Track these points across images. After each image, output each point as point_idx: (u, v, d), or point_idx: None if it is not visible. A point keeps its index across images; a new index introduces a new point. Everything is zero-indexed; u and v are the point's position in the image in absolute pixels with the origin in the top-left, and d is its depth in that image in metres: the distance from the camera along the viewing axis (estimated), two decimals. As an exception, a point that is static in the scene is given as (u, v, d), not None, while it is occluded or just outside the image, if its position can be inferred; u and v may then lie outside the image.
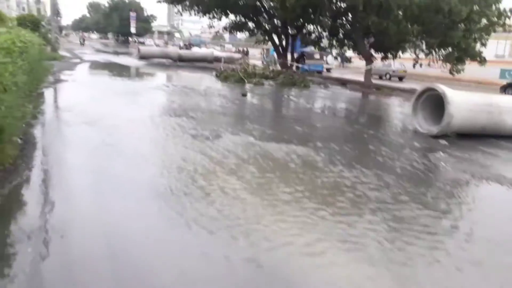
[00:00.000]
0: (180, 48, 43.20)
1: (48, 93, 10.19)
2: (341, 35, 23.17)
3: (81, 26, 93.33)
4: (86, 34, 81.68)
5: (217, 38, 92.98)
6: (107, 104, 9.39)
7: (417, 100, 8.90)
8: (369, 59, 20.83)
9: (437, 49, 16.99)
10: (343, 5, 19.96)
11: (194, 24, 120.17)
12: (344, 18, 21.26)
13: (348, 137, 8.00)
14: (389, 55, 22.15)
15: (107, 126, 6.87)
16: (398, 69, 26.72)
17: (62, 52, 26.32)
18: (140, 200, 3.92)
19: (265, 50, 35.12)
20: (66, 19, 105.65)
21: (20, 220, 3.35)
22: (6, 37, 5.80)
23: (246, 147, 6.21)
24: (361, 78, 21.60)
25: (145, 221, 3.48)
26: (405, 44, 18.20)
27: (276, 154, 5.91)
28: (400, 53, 21.25)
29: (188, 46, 50.21)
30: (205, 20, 49.14)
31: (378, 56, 22.56)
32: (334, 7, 19.52)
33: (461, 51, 16.53)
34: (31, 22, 21.13)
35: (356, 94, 17.66)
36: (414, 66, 18.05)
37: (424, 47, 17.39)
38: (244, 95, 12.96)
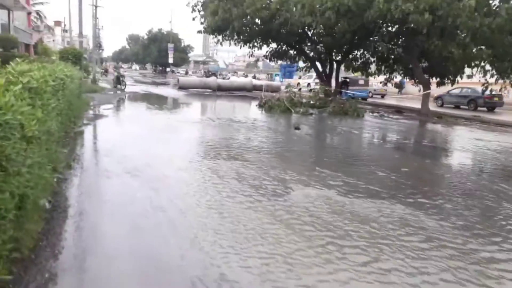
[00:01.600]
0: (202, 76, 44.47)
1: (87, 132, 9.21)
2: (391, 60, 21.70)
3: (120, 57, 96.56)
4: (123, 65, 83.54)
5: (251, 66, 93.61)
6: (150, 145, 8.25)
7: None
8: (426, 85, 19.10)
9: (510, 73, 15.07)
10: (394, 28, 18.55)
11: (229, 53, 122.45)
12: (395, 42, 19.77)
13: (454, 188, 6.36)
14: (446, 80, 20.43)
15: (153, 179, 5.62)
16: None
17: (102, 84, 26.22)
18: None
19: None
20: (107, 51, 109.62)
21: None
22: (37, 74, 4.72)
23: (330, 207, 4.75)
24: (407, 104, 19.82)
25: None
26: (470, 68, 16.38)
27: (373, 218, 4.42)
28: (458, 78, 19.46)
29: (208, 74, 51.48)
30: (238, 49, 49.23)
31: (433, 81, 20.84)
32: (386, 31, 18.09)
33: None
34: (73, 55, 20.96)
35: (420, 124, 15.87)
36: (483, 92, 16.16)
37: (494, 71, 15.50)
38: (297, 128, 11.61)
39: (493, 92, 18.34)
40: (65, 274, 3.00)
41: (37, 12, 44.63)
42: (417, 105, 20.79)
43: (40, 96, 4.61)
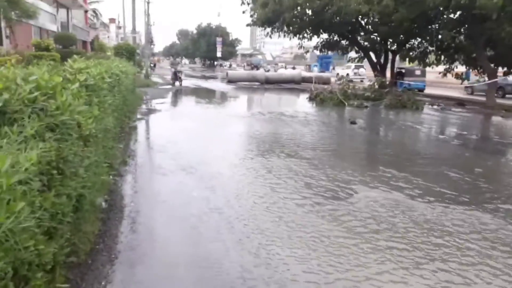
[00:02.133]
0: (244, 68, 45.59)
1: (141, 127, 9.28)
2: (452, 49, 20.24)
3: (171, 52, 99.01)
4: (180, 60, 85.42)
5: (298, 58, 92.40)
6: (203, 140, 8.12)
7: None
8: (493, 75, 17.62)
9: None
10: (456, 15, 17.20)
11: (276, 46, 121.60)
12: (458, 30, 18.35)
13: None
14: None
15: (209, 176, 5.43)
16: None
17: (154, 78, 26.81)
18: None
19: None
20: (158, 46, 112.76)
21: None
22: (94, 71, 4.65)
23: (398, 211, 4.30)
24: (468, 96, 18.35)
25: None
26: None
27: (451, 226, 3.92)
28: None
29: (251, 66, 52.36)
30: (286, 41, 48.61)
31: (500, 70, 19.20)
32: (448, 18, 16.82)
33: None
34: (126, 51, 21.52)
35: (487, 117, 14.63)
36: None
37: None
38: (354, 123, 11.03)
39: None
40: (122, 281, 2.84)
41: (94, 10, 46.56)
42: (479, 97, 19.31)
43: (97, 93, 4.54)
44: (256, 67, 50.93)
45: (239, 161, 6.42)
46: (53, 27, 27.90)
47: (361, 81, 28.06)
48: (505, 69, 19.06)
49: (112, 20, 75.27)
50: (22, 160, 2.21)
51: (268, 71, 36.32)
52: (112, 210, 4.02)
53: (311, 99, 17.05)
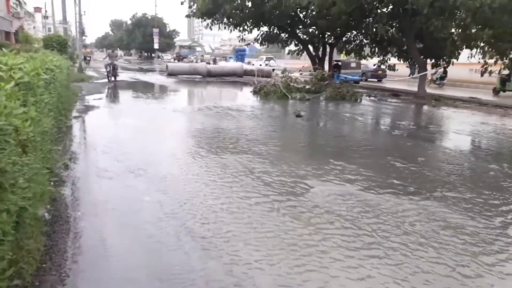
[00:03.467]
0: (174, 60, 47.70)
1: (79, 126, 8.67)
2: (385, 42, 21.25)
3: (104, 43, 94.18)
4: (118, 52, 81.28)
5: (251, 50, 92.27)
6: (147, 138, 7.75)
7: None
8: (423, 66, 18.78)
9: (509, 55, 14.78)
10: (389, 9, 18.04)
11: (214, 38, 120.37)
12: (390, 24, 19.28)
13: (485, 181, 6.04)
14: (441, 62, 20.16)
15: (159, 177, 5.16)
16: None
17: (89, 72, 25.30)
18: None
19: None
20: (90, 38, 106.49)
21: None
22: (28, 67, 4.18)
23: (352, 206, 4.38)
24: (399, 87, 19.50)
25: None
26: (469, 49, 16.05)
27: (402, 215, 4.06)
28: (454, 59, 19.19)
29: (180, 58, 54.52)
30: (224, 33, 49.14)
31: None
32: (382, 12, 17.58)
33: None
34: (58, 43, 20.04)
35: (420, 107, 15.55)
36: (482, 74, 15.90)
37: (493, 52, 15.18)
38: (299, 116, 11.18)
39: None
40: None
41: (16, -2, 42.81)
42: (411, 88, 20.50)
43: (33, 92, 4.09)
44: (185, 58, 54.36)
45: (190, 160, 6.20)
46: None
47: (273, 70, 29.38)
48: (433, 61, 20.38)
49: (37, 9, 69.90)
50: None
51: (192, 62, 37.00)
52: (57, 222, 3.65)
53: (255, 92, 17.05)
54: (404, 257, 3.28)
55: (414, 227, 3.87)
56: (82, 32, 30.11)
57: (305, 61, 39.53)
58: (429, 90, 19.68)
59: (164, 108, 12.54)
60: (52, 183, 4.48)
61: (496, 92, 18.94)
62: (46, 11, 63.68)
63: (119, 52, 69.38)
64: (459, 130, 10.35)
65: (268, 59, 42.76)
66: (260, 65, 35.85)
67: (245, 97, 16.92)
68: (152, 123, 9.57)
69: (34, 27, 63.86)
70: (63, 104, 8.74)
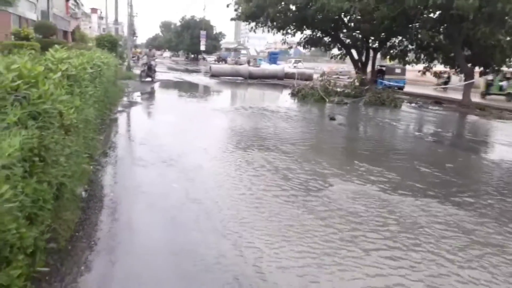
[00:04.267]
0: (215, 62, 50.35)
1: (122, 119, 9.29)
2: (431, 48, 20.72)
3: (153, 44, 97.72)
4: (158, 52, 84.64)
5: (282, 53, 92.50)
6: (184, 133, 8.19)
7: None
8: (469, 75, 18.15)
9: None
10: (436, 15, 17.61)
11: (260, 41, 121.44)
12: (437, 29, 18.80)
13: (500, 185, 5.94)
14: (489, 70, 19.39)
15: (189, 168, 5.53)
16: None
17: (136, 71, 26.53)
18: None
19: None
20: (141, 38, 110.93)
21: None
22: (76, 62, 4.69)
23: (368, 202, 4.51)
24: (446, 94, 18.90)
25: None
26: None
27: (420, 219, 4.14)
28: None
29: (219, 59, 60.00)
30: (270, 36, 50.40)
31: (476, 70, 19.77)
32: (428, 17, 17.22)
33: None
34: (109, 42, 21.27)
35: (462, 116, 15.09)
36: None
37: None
38: (333, 119, 11.26)
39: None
40: (101, 267, 2.94)
41: (75, 0, 45.60)
42: (458, 96, 19.83)
43: (79, 84, 4.58)
44: (224, 60, 57.71)
45: (219, 154, 6.54)
46: (33, 16, 27.24)
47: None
48: (481, 68, 19.63)
49: (94, 10, 73.88)
50: (5, 146, 2.29)
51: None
52: (92, 200, 4.09)
53: (293, 95, 17.24)
54: (397, 249, 3.40)
55: (418, 225, 3.95)
56: (132, 33, 31.66)
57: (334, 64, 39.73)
58: (477, 99, 18.97)
59: (202, 106, 13.05)
60: (91, 167, 4.96)
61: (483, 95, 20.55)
62: (101, 12, 67.22)
63: (156, 52, 71.91)
64: (496, 140, 10.03)
65: (296, 61, 45.66)
66: (289, 67, 36.30)
67: (282, 99, 17.17)
68: (189, 120, 10.05)
69: (90, 27, 67.56)
70: (109, 98, 9.42)
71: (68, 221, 3.45)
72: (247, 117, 10.77)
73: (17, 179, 2.24)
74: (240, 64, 34.95)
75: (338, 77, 20.39)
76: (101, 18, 69.64)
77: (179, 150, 6.53)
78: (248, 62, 43.17)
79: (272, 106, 13.71)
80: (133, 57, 32.53)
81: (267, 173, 5.55)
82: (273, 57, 49.45)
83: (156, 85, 19.17)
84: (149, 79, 19.21)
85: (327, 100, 15.72)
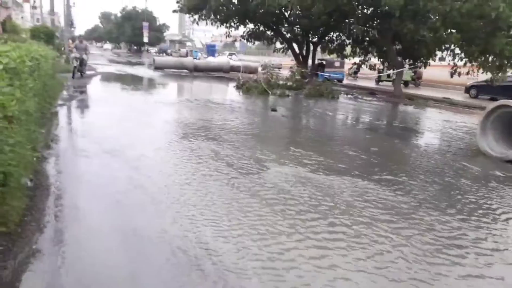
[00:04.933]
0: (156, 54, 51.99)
1: (62, 113, 9.18)
2: (366, 42, 22.05)
3: (93, 35, 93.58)
4: (98, 44, 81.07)
5: (228, 46, 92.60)
6: (127, 126, 8.32)
7: (487, 119, 7.68)
8: (400, 67, 19.61)
9: (477, 57, 15.65)
10: (369, 11, 18.80)
11: (205, 33, 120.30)
12: (370, 25, 20.06)
13: (418, 166, 6.77)
14: (418, 63, 21.08)
15: (133, 158, 5.76)
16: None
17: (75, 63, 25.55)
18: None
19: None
20: (79, 29, 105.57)
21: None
22: (14, 55, 4.74)
23: (298, 182, 5.05)
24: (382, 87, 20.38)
25: None
26: (441, 52, 16.92)
27: (338, 192, 4.74)
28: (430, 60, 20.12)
29: (160, 51, 61.66)
30: (215, 29, 50.91)
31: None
32: (361, 13, 18.33)
33: (503, 59, 15.16)
34: (45, 34, 20.39)
35: (393, 105, 16.38)
36: (452, 75, 16.82)
37: (462, 55, 16.09)
38: (274, 110, 11.83)
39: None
40: (51, 246, 3.18)
41: (4, -13, 42.56)
42: (392, 88, 21.32)
43: (18, 77, 4.66)
44: (165, 52, 60.09)
45: (164, 144, 6.80)
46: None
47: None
48: (411, 61, 21.25)
49: (26, -1, 69.21)
50: None
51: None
52: (38, 189, 4.24)
53: (237, 87, 17.66)
54: (319, 214, 3.96)
55: (342, 199, 4.55)
56: (70, 24, 30.31)
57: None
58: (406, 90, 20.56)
59: (146, 99, 13.09)
60: (35, 158, 5.04)
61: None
62: (34, 1, 63.24)
63: (87, 44, 68.76)
64: (419, 127, 11.14)
65: (230, 54, 49.09)
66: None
67: (227, 92, 17.53)
68: (132, 113, 10.13)
69: (22, 17, 63.38)
70: (48, 92, 9.24)
71: (16, 207, 3.61)
72: (191, 109, 11.03)
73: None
74: (180, 56, 34.89)
75: (272, 69, 21.06)
76: (34, 7, 65.45)
77: (123, 142, 6.70)
78: (186, 54, 43.71)
79: (216, 98, 14.04)
80: (69, 50, 31.05)
81: (210, 160, 5.92)
82: (210, 50, 50.97)
83: (96, 78, 18.71)
84: (78, 74, 16.87)
85: (270, 92, 16.31)
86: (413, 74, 25.40)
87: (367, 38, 21.55)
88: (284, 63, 37.98)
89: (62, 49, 27.22)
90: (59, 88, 12.37)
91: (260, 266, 3.05)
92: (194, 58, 33.84)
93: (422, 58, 20.21)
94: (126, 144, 6.56)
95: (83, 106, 10.77)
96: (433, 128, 11.02)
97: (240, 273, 2.94)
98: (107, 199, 4.21)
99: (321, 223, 3.91)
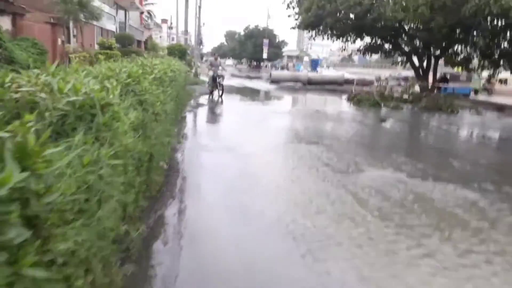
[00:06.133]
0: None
1: (190, 118, 10.76)
2: (496, 55, 20.27)
3: (219, 52, 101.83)
4: (222, 60, 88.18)
5: (345, 60, 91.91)
6: (243, 129, 9.44)
7: None
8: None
9: None
10: (501, 22, 17.39)
11: (323, 48, 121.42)
12: (501, 36, 18.47)
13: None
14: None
15: (244, 154, 6.73)
16: None
17: (202, 77, 28.63)
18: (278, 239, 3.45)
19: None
20: (207, 47, 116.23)
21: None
22: (160, 67, 6.08)
23: (390, 185, 5.34)
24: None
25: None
26: None
27: (429, 190, 4.92)
28: None
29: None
30: (333, 43, 51.46)
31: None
32: (490, 25, 17.07)
33: None
34: (179, 51, 23.40)
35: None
36: None
37: None
38: (383, 120, 11.91)
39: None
40: (178, 209, 4.17)
41: (148, 12, 49.62)
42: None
43: (162, 84, 5.95)
44: (274, 66, 64.39)
45: (271, 146, 7.66)
46: (113, 27, 30.57)
47: None
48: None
49: (164, 21, 79.02)
50: (125, 118, 3.57)
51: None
52: (171, 170, 5.40)
53: (349, 99, 17.92)
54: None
55: (438, 206, 4.74)
56: (200, 42, 34.06)
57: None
58: None
59: (260, 109, 14.29)
60: (169, 149, 6.31)
61: None
62: (171, 23, 71.81)
63: (225, 61, 74.62)
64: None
65: (327, 66, 55.82)
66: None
67: (337, 103, 17.93)
68: (248, 119, 11.31)
69: (160, 37, 72.49)
70: (180, 100, 10.96)
71: (156, 181, 4.76)
72: (301, 118, 11.81)
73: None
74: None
75: (399, 84, 20.61)
76: (170, 28, 74.40)
77: (238, 142, 7.75)
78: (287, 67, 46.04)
79: (325, 109, 14.62)
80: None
81: (309, 160, 6.55)
82: (314, 63, 54.28)
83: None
84: (215, 92, 15.90)
85: (382, 104, 16.21)
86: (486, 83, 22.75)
87: (499, 50, 19.81)
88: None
89: (192, 64, 30.75)
90: (188, 98, 14.32)
91: (337, 241, 3.58)
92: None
93: None
94: (241, 144, 7.60)
95: (206, 112, 12.36)
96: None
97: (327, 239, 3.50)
98: (220, 181, 5.17)
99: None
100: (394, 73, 37.16)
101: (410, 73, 36.72)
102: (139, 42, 39.16)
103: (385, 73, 40.58)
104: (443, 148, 8.67)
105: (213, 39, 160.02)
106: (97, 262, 2.00)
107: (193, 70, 28.44)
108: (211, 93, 15.93)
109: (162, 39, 73.08)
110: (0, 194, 0.93)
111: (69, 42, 21.27)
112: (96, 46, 23.51)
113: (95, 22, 23.10)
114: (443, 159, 7.31)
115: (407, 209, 4.48)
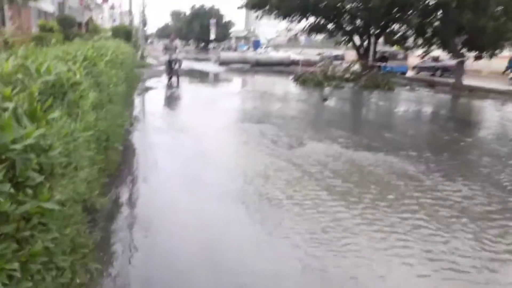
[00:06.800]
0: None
1: (140, 100, 10.87)
2: (429, 33, 21.78)
3: (164, 33, 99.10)
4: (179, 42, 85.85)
5: (292, 41, 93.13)
6: (193, 110, 9.76)
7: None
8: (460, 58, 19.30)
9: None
10: (431, 2, 18.73)
11: (270, 28, 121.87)
12: (433, 16, 19.91)
13: (440, 145, 7.38)
14: (484, 54, 20.44)
15: (196, 134, 7.11)
16: None
17: (149, 60, 28.13)
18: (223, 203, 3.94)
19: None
20: (151, 28, 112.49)
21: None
22: (111, 50, 6.24)
23: (330, 155, 6.00)
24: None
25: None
26: (504, 42, 16.50)
27: (365, 163, 5.63)
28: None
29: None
30: (280, 24, 52.01)
31: (471, 54, 20.83)
32: (422, 4, 18.35)
33: None
34: (124, 33, 22.79)
35: (447, 96, 16.41)
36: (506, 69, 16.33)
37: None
38: (325, 99, 12.67)
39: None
40: (139, 182, 4.53)
41: (88, -9, 47.13)
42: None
43: (114, 66, 6.13)
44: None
45: (221, 125, 8.07)
46: (51, 8, 28.99)
47: None
48: (477, 52, 20.67)
49: (105, 1, 75.34)
50: (89, 97, 3.83)
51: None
52: (127, 150, 5.68)
53: (295, 80, 18.60)
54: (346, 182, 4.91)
55: (367, 170, 5.44)
56: (144, 23, 33.18)
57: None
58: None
59: (208, 90, 14.61)
60: (123, 131, 6.54)
61: None
62: (113, 3, 68.60)
63: (178, 42, 72.46)
64: (467, 116, 11.39)
65: (266, 47, 54.34)
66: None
67: (283, 84, 18.57)
68: (199, 101, 11.61)
69: (101, 18, 69.15)
70: (129, 83, 11.00)
71: (114, 161, 5.04)
72: (249, 99, 12.30)
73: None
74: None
75: (330, 62, 21.58)
76: (112, 8, 71.20)
77: (189, 123, 8.12)
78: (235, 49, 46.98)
79: (272, 89, 15.20)
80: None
81: (256, 137, 7.06)
82: (256, 45, 56.85)
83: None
84: (173, 78, 14.60)
85: (325, 84, 17.05)
86: None
87: (430, 29, 21.29)
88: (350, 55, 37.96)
89: (138, 46, 30.00)
90: (136, 81, 14.25)
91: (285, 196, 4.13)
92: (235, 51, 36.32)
93: (487, 49, 19.61)
94: (191, 124, 7.96)
95: (155, 95, 12.46)
96: (480, 118, 11.21)
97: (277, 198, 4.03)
98: (175, 156, 5.56)
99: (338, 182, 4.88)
100: (326, 53, 38.84)
101: (341, 52, 38.68)
102: (79, 24, 37.28)
103: (315, 52, 42.05)
104: (377, 122, 9.56)
105: (158, 20, 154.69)
106: (75, 221, 2.36)
107: (139, 53, 27.85)
108: (169, 80, 14.70)
109: (104, 20, 69.81)
110: (27, 143, 1.29)
111: (3, 25, 20.04)
112: (36, 29, 22.31)
113: (32, 4, 21.85)
114: (377, 132, 8.13)
115: (338, 172, 5.13)
